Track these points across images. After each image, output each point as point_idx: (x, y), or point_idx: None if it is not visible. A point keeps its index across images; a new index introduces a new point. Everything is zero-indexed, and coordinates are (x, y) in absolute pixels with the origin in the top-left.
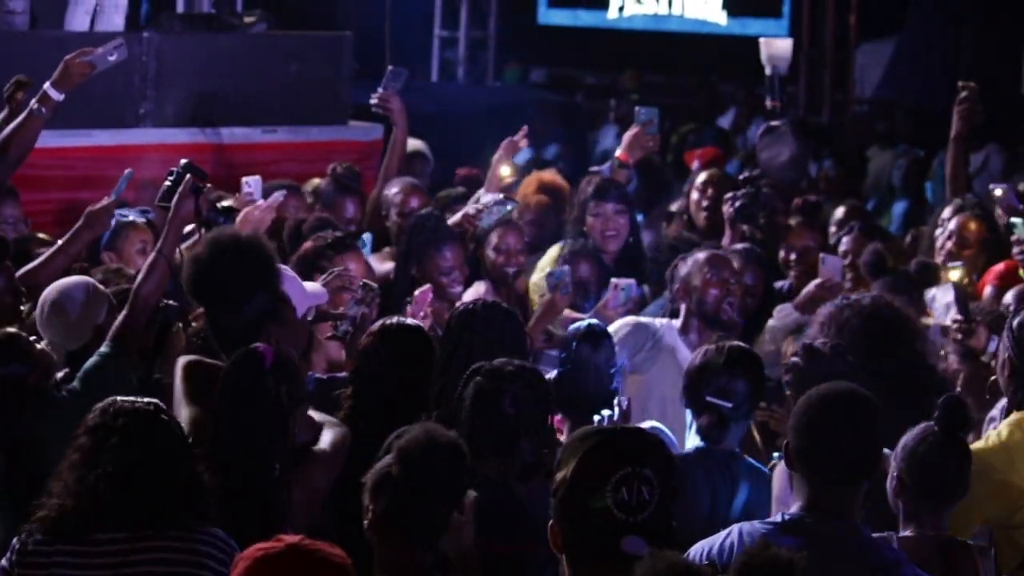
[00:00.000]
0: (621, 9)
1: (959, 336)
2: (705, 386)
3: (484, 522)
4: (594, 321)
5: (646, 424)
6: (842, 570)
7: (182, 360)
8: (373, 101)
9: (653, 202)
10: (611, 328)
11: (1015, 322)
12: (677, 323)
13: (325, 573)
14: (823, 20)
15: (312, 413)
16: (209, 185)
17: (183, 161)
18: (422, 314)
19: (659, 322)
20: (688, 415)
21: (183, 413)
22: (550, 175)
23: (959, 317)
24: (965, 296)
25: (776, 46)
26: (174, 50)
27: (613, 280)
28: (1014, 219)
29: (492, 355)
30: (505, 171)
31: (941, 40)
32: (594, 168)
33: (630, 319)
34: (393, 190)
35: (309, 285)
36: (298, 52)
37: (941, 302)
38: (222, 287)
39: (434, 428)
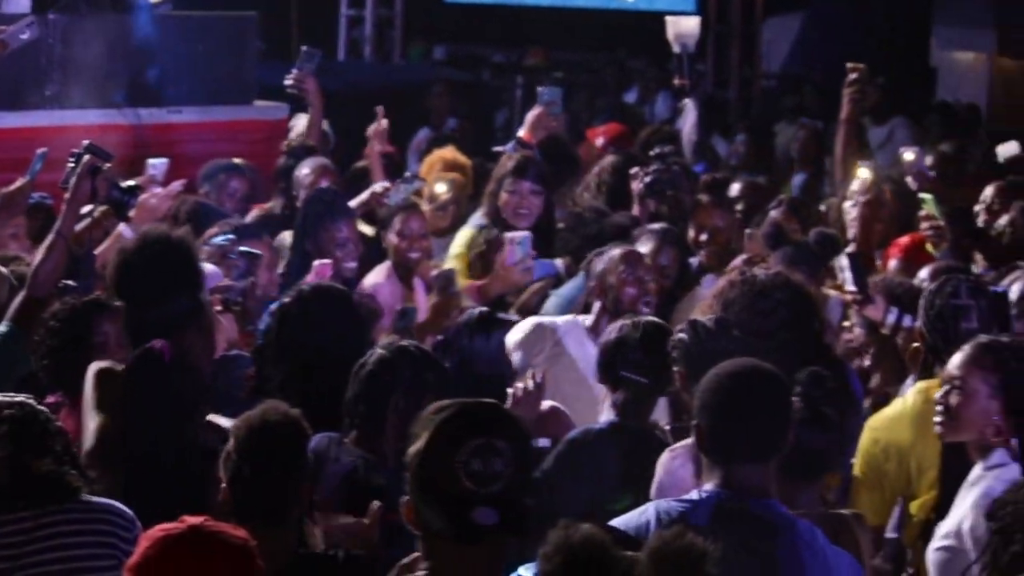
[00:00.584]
0: None
1: (855, 307)
2: (621, 361)
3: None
4: (484, 309)
5: (546, 404)
6: (763, 548)
7: (94, 367)
8: (288, 82)
9: (560, 180)
10: (512, 332)
11: (928, 296)
12: (587, 321)
13: (226, 553)
14: None
15: (217, 418)
16: (108, 165)
17: (84, 142)
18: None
19: (563, 321)
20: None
21: (90, 422)
22: (451, 152)
23: (854, 288)
24: (861, 267)
25: (683, 25)
26: (79, 31)
27: (507, 235)
28: (923, 195)
29: (328, 343)
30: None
31: (848, 14)
32: (497, 148)
33: (532, 320)
34: (304, 171)
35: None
36: (204, 32)
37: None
38: (145, 283)
39: (273, 406)
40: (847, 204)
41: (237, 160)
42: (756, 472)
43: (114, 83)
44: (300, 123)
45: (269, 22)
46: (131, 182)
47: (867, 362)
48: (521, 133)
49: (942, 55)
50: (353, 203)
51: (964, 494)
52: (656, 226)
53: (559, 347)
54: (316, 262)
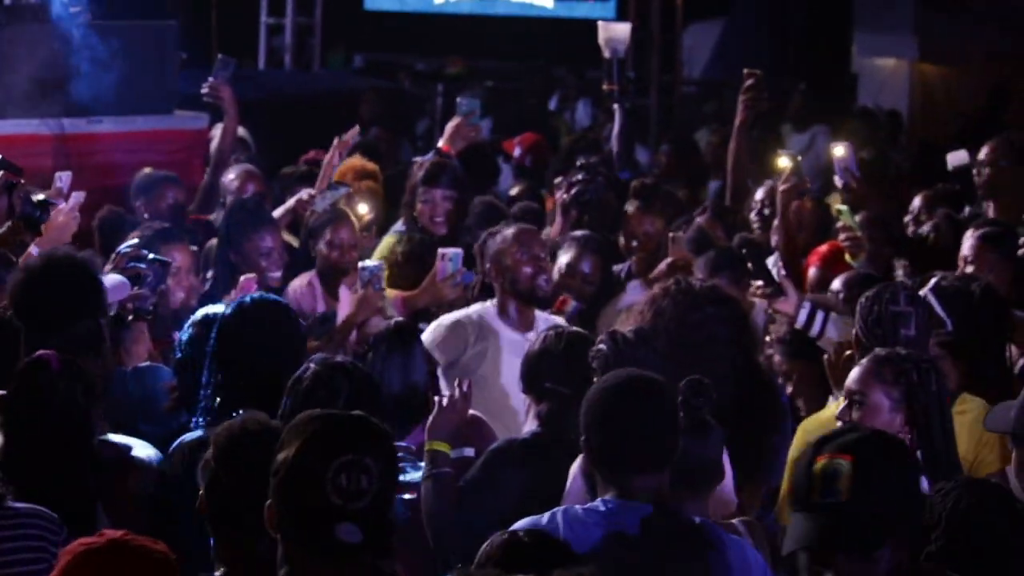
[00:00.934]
0: None
1: (765, 300)
2: (544, 372)
3: None
4: (400, 319)
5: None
6: (672, 554)
7: None
8: (204, 91)
9: (482, 188)
10: (427, 332)
11: (865, 302)
12: (492, 305)
13: (146, 566)
14: (649, 1)
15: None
16: (22, 180)
17: None
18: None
19: (473, 311)
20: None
21: None
22: (359, 161)
23: (760, 282)
24: (761, 259)
25: (614, 29)
26: (1, 41)
27: (440, 250)
28: (839, 206)
29: (266, 356)
30: (363, 209)
31: (769, 20)
32: (416, 159)
33: (444, 318)
34: (230, 176)
35: (108, 278)
36: (124, 41)
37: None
38: (47, 306)
39: (252, 416)
40: (752, 214)
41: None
42: (652, 481)
43: (34, 93)
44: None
45: (189, 31)
46: (42, 196)
47: (788, 389)
48: (440, 144)
49: (863, 61)
50: (278, 212)
51: None
52: (578, 233)
53: (483, 338)
54: (242, 277)
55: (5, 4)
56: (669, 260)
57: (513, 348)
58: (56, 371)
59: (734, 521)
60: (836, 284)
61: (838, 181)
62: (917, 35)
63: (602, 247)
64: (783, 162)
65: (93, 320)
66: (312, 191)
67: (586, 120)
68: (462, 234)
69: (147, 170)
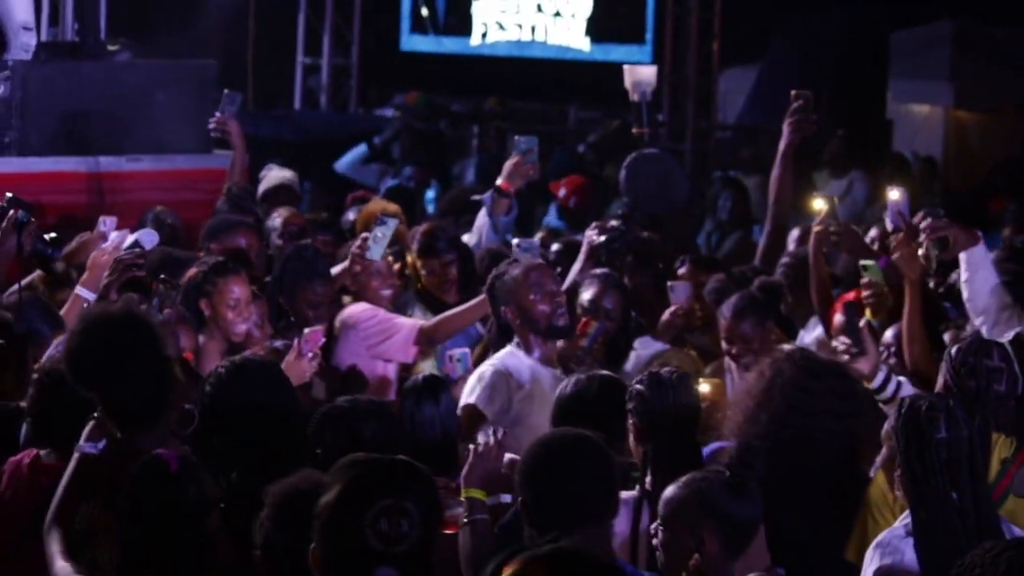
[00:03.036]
0: (484, 35)
1: (846, 357)
2: (577, 416)
3: None
4: (428, 373)
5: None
6: None
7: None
8: (211, 126)
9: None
10: (468, 390)
11: (958, 354)
12: (517, 349)
13: None
14: (686, 46)
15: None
16: (34, 220)
17: (8, 195)
18: (311, 355)
19: (502, 361)
20: None
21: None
22: (379, 204)
23: (847, 340)
24: (855, 320)
25: (640, 72)
26: (39, 78)
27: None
28: (865, 262)
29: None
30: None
31: (804, 65)
32: (476, 197)
33: (481, 372)
34: (273, 217)
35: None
36: (162, 80)
37: (808, 340)
38: (107, 371)
39: (307, 475)
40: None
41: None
42: (594, 537)
43: (73, 131)
44: (271, 174)
45: (226, 70)
46: (54, 235)
47: None
48: (499, 182)
49: (898, 107)
50: (336, 269)
51: None
52: (599, 271)
53: (521, 383)
54: (307, 330)
55: (42, 41)
56: (671, 309)
57: (552, 385)
58: (174, 473)
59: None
60: (888, 336)
61: (889, 224)
62: (952, 81)
63: (622, 285)
64: (818, 204)
65: (155, 363)
66: (361, 239)
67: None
68: (474, 287)
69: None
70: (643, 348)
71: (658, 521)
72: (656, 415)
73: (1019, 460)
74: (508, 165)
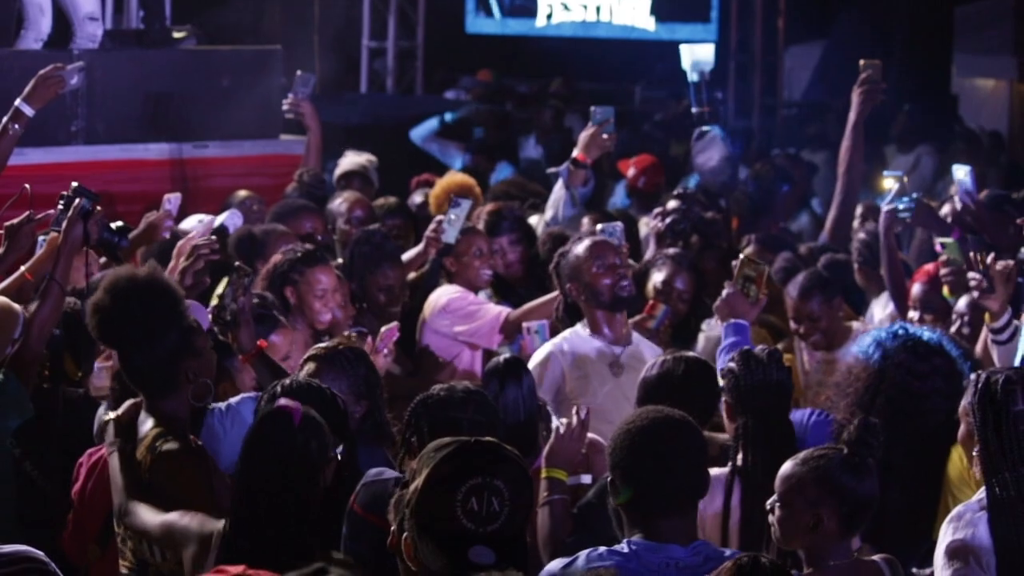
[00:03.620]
0: (549, 16)
1: (976, 294)
2: (663, 397)
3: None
4: (508, 355)
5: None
6: None
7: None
8: (284, 107)
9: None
10: (531, 360)
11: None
12: (582, 327)
13: None
14: (751, 24)
15: None
16: (100, 208)
17: (73, 184)
18: (386, 351)
19: (563, 341)
20: None
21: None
22: (460, 177)
23: (977, 276)
24: (984, 258)
25: (697, 52)
26: (104, 66)
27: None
28: (943, 239)
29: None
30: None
31: (869, 41)
32: (551, 169)
33: (535, 356)
34: (337, 201)
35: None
36: (228, 66)
37: (879, 315)
38: (129, 330)
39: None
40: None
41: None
42: (680, 523)
43: (139, 118)
44: (345, 159)
45: (292, 56)
46: (120, 223)
47: None
48: (576, 153)
49: (963, 82)
50: (409, 254)
51: None
52: (671, 251)
53: (577, 364)
54: (383, 328)
55: (108, 29)
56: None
57: (607, 363)
58: (297, 425)
59: (876, 559)
60: (961, 305)
61: (958, 203)
62: (1016, 55)
63: (695, 266)
64: (889, 183)
65: (175, 327)
66: (435, 222)
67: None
68: (536, 268)
69: (243, 192)
70: (711, 330)
71: (775, 497)
72: (748, 392)
73: None
74: (584, 136)
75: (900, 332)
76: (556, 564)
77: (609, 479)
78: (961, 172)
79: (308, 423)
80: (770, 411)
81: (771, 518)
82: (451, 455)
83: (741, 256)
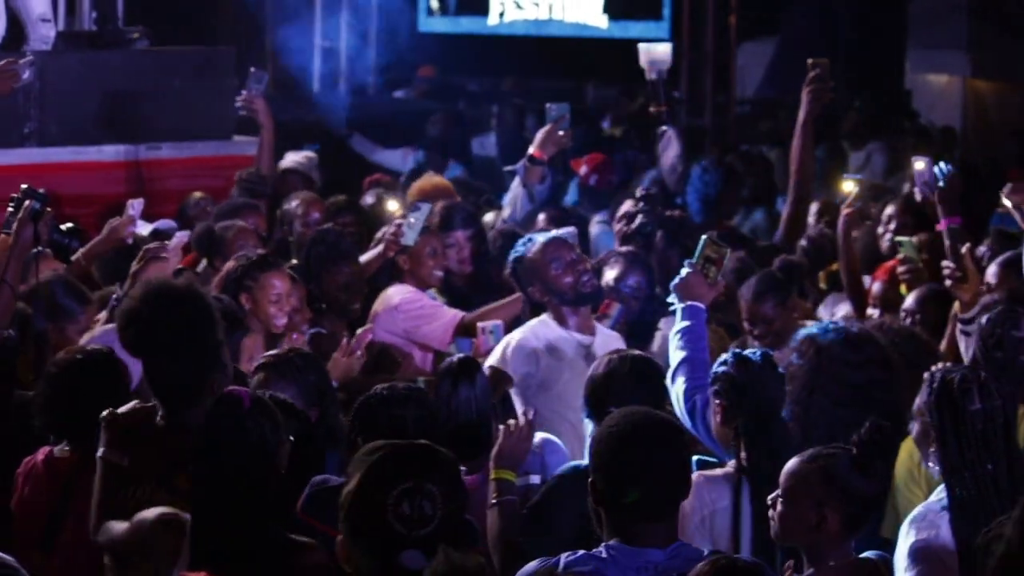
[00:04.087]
0: (502, 15)
1: (949, 282)
2: (609, 395)
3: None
4: (461, 355)
5: (538, 437)
6: None
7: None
8: (238, 104)
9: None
10: (494, 355)
11: (987, 324)
12: (549, 320)
13: None
14: (703, 21)
15: None
16: (50, 209)
17: (23, 186)
18: (359, 352)
19: (532, 331)
20: (590, 424)
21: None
22: (435, 180)
23: (951, 265)
24: (958, 245)
25: (655, 51)
26: (57, 68)
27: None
28: (899, 238)
29: None
30: (393, 206)
31: (822, 37)
32: (508, 167)
33: (508, 340)
34: (293, 203)
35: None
36: (181, 67)
37: (840, 313)
38: (162, 341)
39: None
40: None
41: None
42: (661, 527)
43: (92, 120)
44: (283, 161)
45: (243, 56)
46: (71, 225)
47: None
48: (532, 150)
49: (916, 78)
50: (367, 256)
51: None
52: (623, 249)
53: (550, 352)
54: (359, 330)
55: (60, 31)
56: None
57: (582, 354)
58: (247, 409)
59: (874, 557)
60: (909, 302)
61: (918, 195)
62: (970, 51)
63: (647, 265)
64: (848, 186)
65: (208, 343)
66: (395, 225)
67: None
68: (485, 265)
69: (198, 194)
70: (668, 328)
71: (777, 492)
72: (745, 392)
73: None
74: (541, 133)
75: (831, 326)
76: (534, 565)
77: (591, 481)
78: (920, 163)
79: (258, 406)
80: (767, 410)
81: (771, 512)
82: (382, 459)
83: (704, 237)
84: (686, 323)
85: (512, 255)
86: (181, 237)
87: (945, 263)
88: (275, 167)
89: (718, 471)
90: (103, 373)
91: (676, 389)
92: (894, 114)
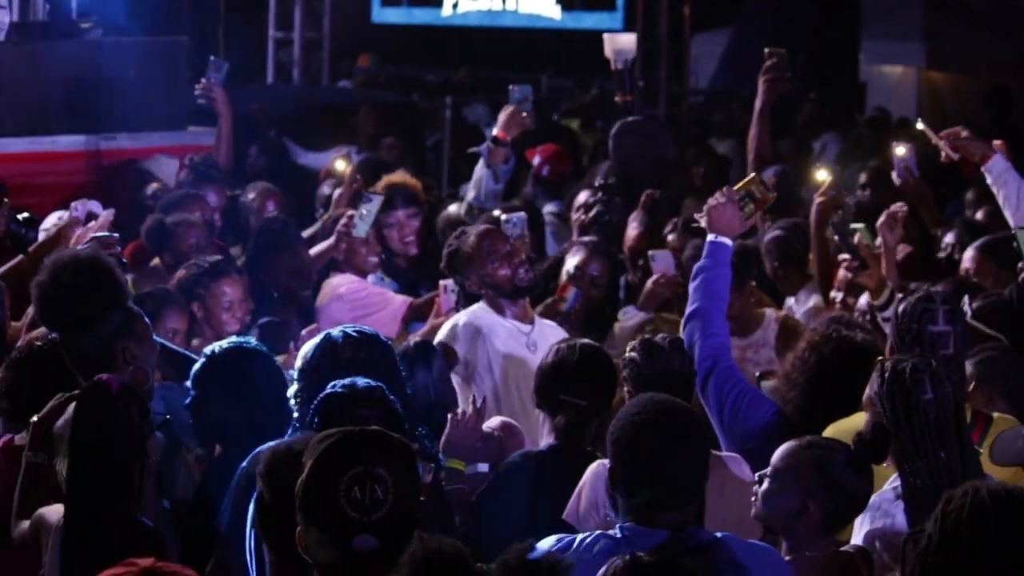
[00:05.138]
0: (455, 6)
1: (849, 274)
2: (559, 384)
3: None
4: (417, 339)
5: (495, 420)
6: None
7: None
8: (197, 91)
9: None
10: (440, 334)
11: (903, 316)
12: (488, 307)
13: None
14: (657, 11)
15: None
16: (6, 200)
17: None
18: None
19: (471, 316)
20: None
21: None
22: (400, 176)
23: (847, 256)
24: (848, 236)
25: (620, 41)
26: (10, 58)
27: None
28: (855, 225)
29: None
30: (340, 165)
31: (776, 28)
32: (472, 149)
33: (450, 321)
34: (250, 195)
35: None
36: (135, 58)
37: (800, 310)
38: (73, 311)
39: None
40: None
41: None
42: (675, 515)
43: (47, 110)
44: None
45: (198, 46)
46: (27, 214)
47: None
48: (495, 132)
49: (871, 69)
50: (318, 249)
51: None
52: (586, 239)
53: (489, 337)
54: (304, 331)
55: (14, 21)
56: (654, 278)
57: (523, 342)
58: (114, 394)
59: (850, 549)
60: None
61: (896, 180)
62: (925, 42)
63: (609, 252)
64: (822, 175)
65: (118, 309)
66: (347, 217)
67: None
68: (430, 248)
69: (155, 185)
70: (627, 319)
71: (769, 469)
72: (649, 380)
73: (980, 426)
74: (504, 114)
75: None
76: (550, 542)
77: (610, 467)
78: (902, 149)
79: (125, 392)
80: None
81: (756, 488)
82: (333, 444)
83: (753, 174)
84: (707, 261)
85: (446, 248)
86: (107, 215)
87: (841, 256)
88: (232, 156)
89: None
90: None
91: (689, 342)
92: (848, 106)
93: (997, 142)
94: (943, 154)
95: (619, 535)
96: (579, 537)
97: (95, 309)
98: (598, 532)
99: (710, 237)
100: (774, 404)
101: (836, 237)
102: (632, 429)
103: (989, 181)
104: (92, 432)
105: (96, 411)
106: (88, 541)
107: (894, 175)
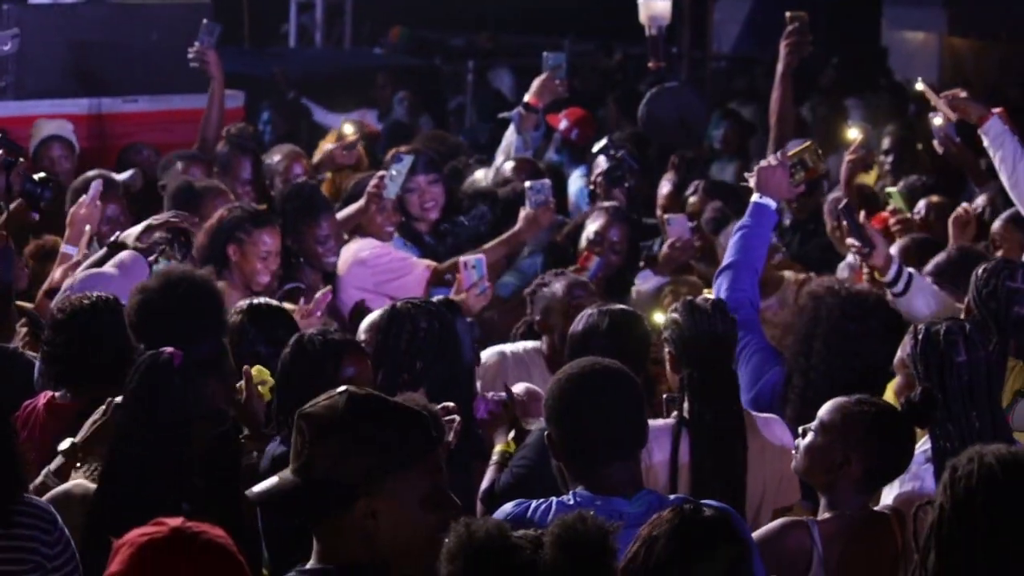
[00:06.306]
0: None
1: (859, 258)
2: (590, 350)
3: None
4: (441, 297)
5: (520, 387)
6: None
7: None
8: (190, 56)
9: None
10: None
11: (983, 273)
12: (542, 346)
13: (211, 552)
14: None
15: None
16: (22, 160)
17: None
18: (319, 313)
19: (520, 348)
20: None
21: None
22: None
23: (856, 241)
24: (856, 217)
25: (655, 6)
26: (34, 22)
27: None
28: (889, 189)
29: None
30: (349, 129)
31: None
32: (503, 114)
33: (488, 352)
34: (276, 158)
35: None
36: (158, 21)
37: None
38: (169, 327)
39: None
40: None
41: None
42: (624, 469)
43: (69, 73)
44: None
45: (220, 9)
46: (43, 174)
47: None
48: (527, 98)
49: (892, 35)
50: (347, 211)
51: None
52: (606, 204)
53: (523, 376)
54: (318, 293)
55: None
56: (669, 242)
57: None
58: (177, 368)
59: (886, 510)
60: (892, 251)
61: (938, 147)
62: (946, 8)
63: (630, 218)
64: (853, 134)
65: (214, 340)
66: (377, 178)
67: None
68: (452, 214)
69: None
70: (643, 282)
71: (815, 423)
72: (691, 342)
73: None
74: (537, 81)
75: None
76: (509, 507)
77: (546, 432)
78: (939, 119)
79: (187, 371)
80: (713, 362)
81: (799, 441)
82: None
83: (808, 142)
84: (749, 220)
85: (538, 280)
86: (97, 186)
87: (850, 240)
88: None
89: (659, 422)
90: (108, 320)
91: (716, 293)
92: (870, 71)
93: (997, 109)
94: (942, 115)
95: (571, 500)
96: (534, 503)
97: (192, 333)
98: (553, 498)
99: (755, 197)
100: (780, 371)
101: (844, 222)
102: (557, 390)
103: (986, 143)
104: (144, 393)
105: (154, 377)
106: (120, 498)
107: (935, 143)
